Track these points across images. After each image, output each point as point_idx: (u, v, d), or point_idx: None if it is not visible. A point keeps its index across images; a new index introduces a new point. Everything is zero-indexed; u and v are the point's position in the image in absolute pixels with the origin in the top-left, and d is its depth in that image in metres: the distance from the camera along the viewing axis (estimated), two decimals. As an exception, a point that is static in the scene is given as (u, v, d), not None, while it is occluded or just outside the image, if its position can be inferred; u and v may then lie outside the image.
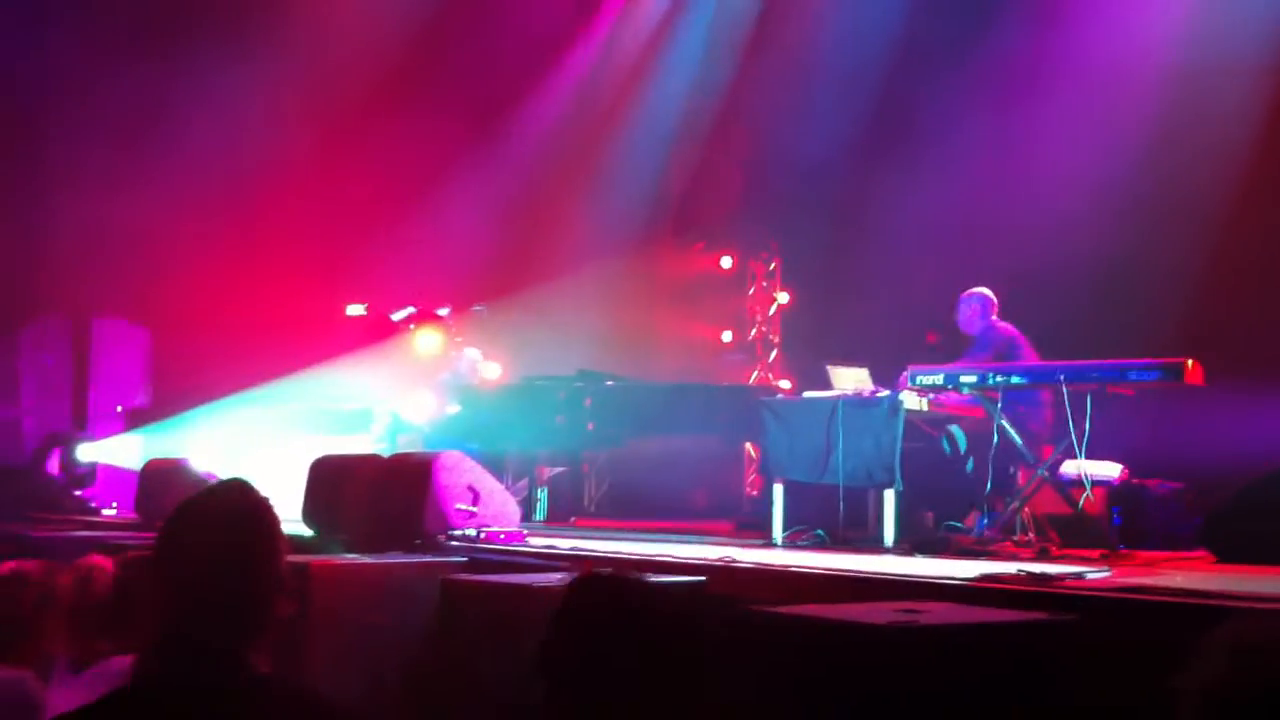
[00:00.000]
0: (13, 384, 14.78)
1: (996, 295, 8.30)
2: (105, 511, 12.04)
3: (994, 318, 8.17)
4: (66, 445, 13.01)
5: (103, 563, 4.27)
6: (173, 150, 12.87)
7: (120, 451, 12.69)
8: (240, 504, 2.52)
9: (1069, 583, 4.76)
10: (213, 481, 2.74)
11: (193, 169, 12.78)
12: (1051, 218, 9.75)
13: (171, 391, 13.81)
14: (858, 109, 11.53)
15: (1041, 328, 8.21)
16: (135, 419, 13.28)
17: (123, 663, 3.60)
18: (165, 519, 2.52)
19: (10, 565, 4.46)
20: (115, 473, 12.62)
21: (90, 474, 12.86)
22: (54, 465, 12.83)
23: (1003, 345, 7.89)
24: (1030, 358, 7.82)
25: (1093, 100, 10.00)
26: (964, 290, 8.35)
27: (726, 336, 14.18)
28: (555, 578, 5.22)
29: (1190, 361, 6.57)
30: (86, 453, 12.95)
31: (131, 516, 10.38)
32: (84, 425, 14.23)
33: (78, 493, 12.67)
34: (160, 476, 9.62)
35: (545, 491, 10.73)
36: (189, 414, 12.19)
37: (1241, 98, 9.21)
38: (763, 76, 12.78)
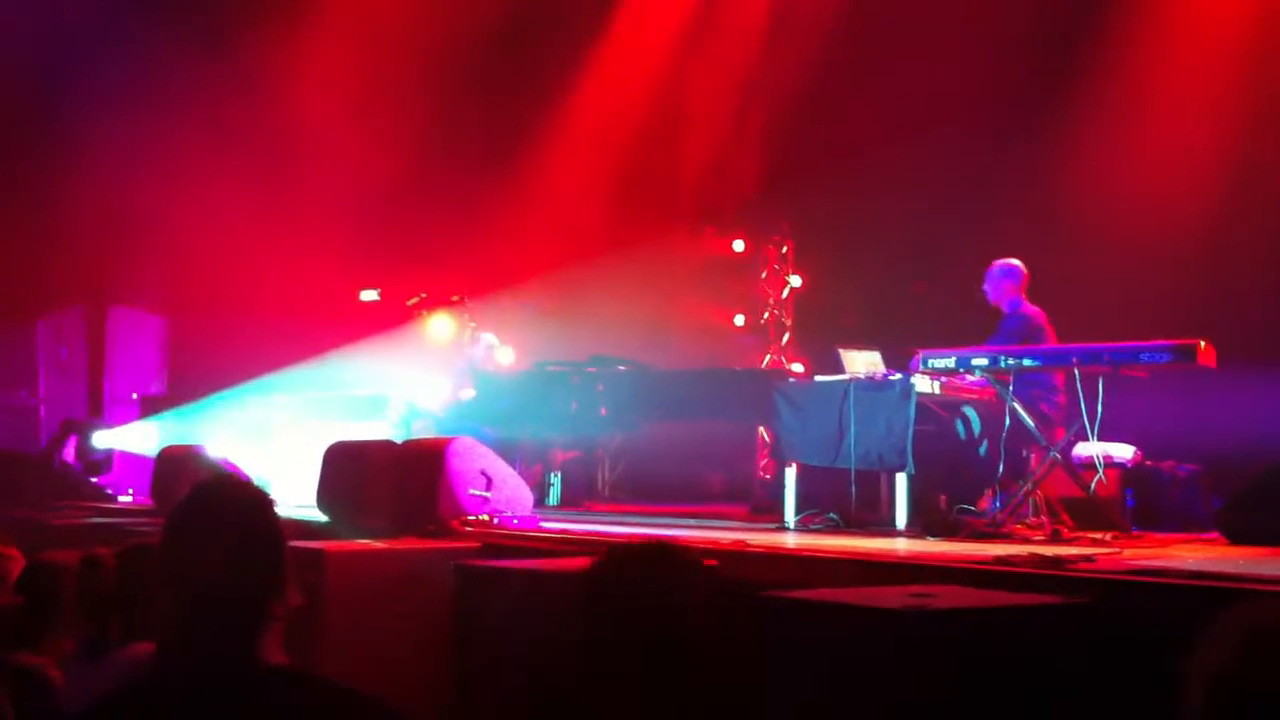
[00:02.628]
0: (30, 372, 14.88)
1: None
2: (121, 498, 12.10)
3: (1023, 296, 8.05)
4: (82, 432, 13.08)
5: (104, 553, 4.32)
6: (189, 138, 12.89)
7: (136, 438, 12.74)
8: (239, 499, 2.55)
9: (1081, 566, 4.76)
10: (223, 468, 2.77)
11: (208, 157, 12.80)
12: (1070, 200, 9.71)
13: (187, 378, 13.87)
14: (871, 89, 11.49)
15: (1057, 310, 8.16)
16: (151, 406, 13.33)
17: (137, 650, 3.65)
18: (167, 516, 2.55)
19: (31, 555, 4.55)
20: (131, 459, 12.69)
21: (106, 461, 12.92)
22: (70, 452, 12.89)
23: (1030, 330, 7.81)
24: (1052, 340, 7.75)
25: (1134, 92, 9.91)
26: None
27: (739, 320, 14.16)
28: (569, 563, 5.23)
29: (1203, 343, 6.52)
30: (102, 440, 13.01)
31: (147, 503, 10.43)
32: (100, 412, 14.32)
33: (94, 480, 12.73)
34: (175, 463, 9.66)
35: (559, 476, 10.75)
36: (204, 401, 12.23)
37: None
38: (779, 59, 12.75)
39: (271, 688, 2.43)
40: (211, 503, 2.53)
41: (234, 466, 9.32)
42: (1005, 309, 8.02)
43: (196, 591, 2.45)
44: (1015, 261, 8.07)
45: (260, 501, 2.56)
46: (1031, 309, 7.95)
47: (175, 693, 2.39)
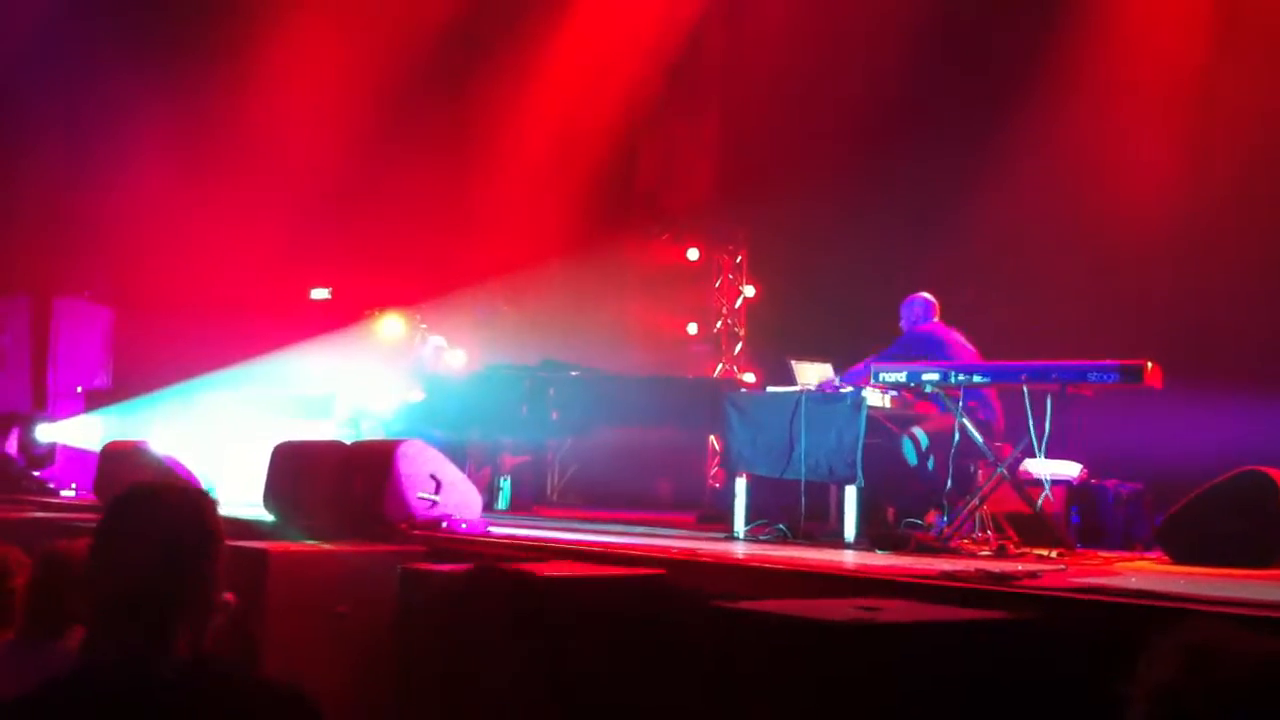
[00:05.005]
0: (-29, 363, 14.63)
1: (956, 294, 8.29)
2: (64, 493, 11.94)
3: (935, 320, 8.14)
4: (25, 425, 12.90)
5: (65, 546, 4.25)
6: (136, 130, 12.75)
7: (80, 432, 12.58)
8: (175, 497, 2.55)
9: (1025, 582, 4.79)
10: (167, 465, 2.76)
11: (157, 149, 12.66)
12: (1025, 214, 9.80)
13: (133, 373, 13.70)
14: (827, 99, 11.54)
15: (1002, 325, 8.24)
16: (95, 400, 13.17)
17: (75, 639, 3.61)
18: (103, 514, 2.54)
19: None
20: (75, 454, 12.52)
21: (49, 455, 12.75)
22: (12, 445, 12.71)
23: (920, 344, 7.87)
24: (962, 355, 7.80)
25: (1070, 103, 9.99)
26: (911, 292, 8.33)
27: (692, 329, 14.17)
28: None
29: (1149, 364, 6.62)
30: (46, 433, 12.84)
31: (90, 498, 10.29)
32: (44, 405, 14.11)
33: (36, 473, 12.55)
34: (119, 458, 9.53)
35: (508, 481, 10.71)
36: (150, 396, 12.09)
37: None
38: (734, 66, 12.77)
39: (190, 683, 2.41)
40: (143, 503, 2.53)
41: (178, 463, 9.21)
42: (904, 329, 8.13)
43: (117, 587, 2.44)
44: (924, 294, 8.24)
45: (194, 503, 2.55)
46: (928, 327, 8.03)
47: (93, 688, 2.37)
